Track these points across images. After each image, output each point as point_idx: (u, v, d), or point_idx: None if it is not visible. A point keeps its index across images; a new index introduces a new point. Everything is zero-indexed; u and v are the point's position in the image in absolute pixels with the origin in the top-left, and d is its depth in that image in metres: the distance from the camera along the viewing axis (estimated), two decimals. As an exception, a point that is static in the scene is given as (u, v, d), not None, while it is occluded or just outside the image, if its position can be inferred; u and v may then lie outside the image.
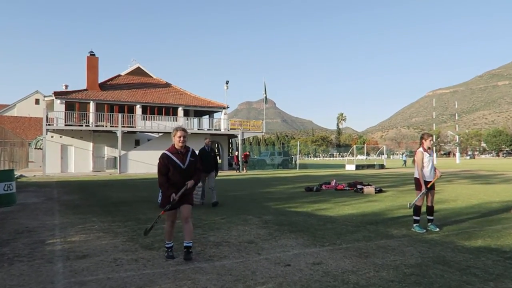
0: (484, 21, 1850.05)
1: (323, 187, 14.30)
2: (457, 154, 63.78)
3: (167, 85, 37.32)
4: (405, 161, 43.12)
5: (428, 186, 6.38)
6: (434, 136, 6.60)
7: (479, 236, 5.91)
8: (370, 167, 35.45)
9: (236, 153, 31.36)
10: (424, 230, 6.28)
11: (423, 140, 6.50)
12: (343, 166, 37.18)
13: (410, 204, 6.56)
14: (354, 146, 37.83)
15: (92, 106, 30.79)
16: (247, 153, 31.11)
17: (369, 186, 12.94)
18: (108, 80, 35.05)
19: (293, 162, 48.99)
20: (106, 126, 30.01)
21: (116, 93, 32.82)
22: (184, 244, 4.61)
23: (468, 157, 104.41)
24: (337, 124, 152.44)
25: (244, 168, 30.50)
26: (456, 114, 74.06)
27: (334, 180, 14.93)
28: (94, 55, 33.10)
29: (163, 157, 4.64)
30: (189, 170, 4.68)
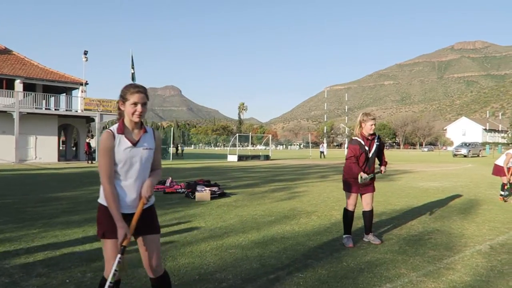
0: (376, 23, 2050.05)
1: (150, 188, 9.94)
2: (346, 144, 65.56)
3: (6, 51, 29.18)
4: (321, 152, 40.70)
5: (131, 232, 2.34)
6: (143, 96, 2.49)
7: None
8: (254, 158, 32.39)
9: (88, 139, 25.06)
10: None
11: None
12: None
13: None
14: (237, 135, 34.25)
15: None
16: (89, 141, 24.43)
17: (206, 190, 8.94)
18: None
19: (180, 151, 44.36)
20: None
21: None
22: None
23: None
24: (239, 114, 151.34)
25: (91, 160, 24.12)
26: (346, 106, 76.71)
27: (170, 179, 10.69)
28: None
29: None
30: None
